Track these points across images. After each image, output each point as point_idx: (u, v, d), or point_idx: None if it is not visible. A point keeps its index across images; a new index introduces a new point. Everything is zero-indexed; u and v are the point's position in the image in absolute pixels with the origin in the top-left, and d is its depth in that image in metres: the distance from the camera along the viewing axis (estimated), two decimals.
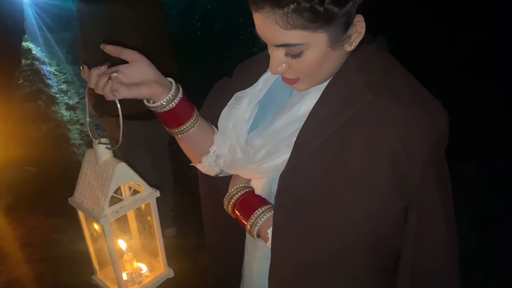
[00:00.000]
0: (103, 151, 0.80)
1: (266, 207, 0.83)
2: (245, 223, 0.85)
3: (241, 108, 0.85)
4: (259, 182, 0.85)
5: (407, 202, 0.72)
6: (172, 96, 0.80)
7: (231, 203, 0.88)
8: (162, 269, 0.93)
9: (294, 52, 0.68)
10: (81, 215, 0.87)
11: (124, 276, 0.91)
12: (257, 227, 0.82)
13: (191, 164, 0.95)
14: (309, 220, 0.74)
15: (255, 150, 0.80)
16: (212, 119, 0.90)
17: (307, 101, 0.76)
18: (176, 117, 0.83)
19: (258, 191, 0.86)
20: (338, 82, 0.73)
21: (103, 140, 0.81)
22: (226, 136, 0.86)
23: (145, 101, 0.81)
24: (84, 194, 0.84)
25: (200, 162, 0.92)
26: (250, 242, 0.97)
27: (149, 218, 0.90)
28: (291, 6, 0.62)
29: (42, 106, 3.85)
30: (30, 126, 3.55)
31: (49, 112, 3.83)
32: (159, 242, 0.91)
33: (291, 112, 0.78)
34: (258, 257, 0.94)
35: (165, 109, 0.80)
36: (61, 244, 2.45)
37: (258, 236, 0.84)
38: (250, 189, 0.88)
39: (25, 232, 2.60)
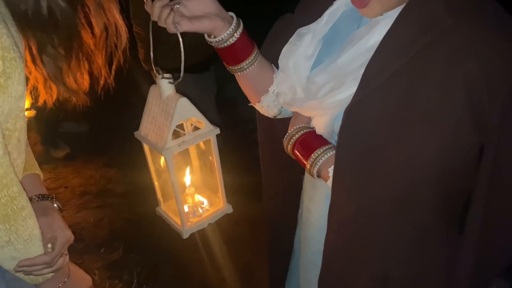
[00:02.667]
0: (166, 85, 0.82)
1: (327, 147, 0.82)
2: (305, 162, 0.84)
3: (303, 45, 0.82)
4: (321, 120, 0.83)
5: (484, 138, 0.66)
6: (232, 30, 0.78)
7: (290, 143, 0.87)
8: (222, 205, 0.97)
9: None
10: (146, 148, 0.92)
11: (186, 209, 0.95)
12: (317, 166, 0.81)
13: (249, 104, 0.95)
14: (375, 156, 0.71)
15: (318, 87, 0.78)
16: (273, 58, 0.88)
17: (376, 32, 0.72)
18: (236, 53, 0.82)
19: (320, 130, 0.84)
20: (413, 6, 0.67)
21: (166, 75, 0.82)
22: (286, 74, 0.85)
23: (205, 36, 0.81)
24: (149, 128, 0.87)
25: (259, 101, 0.91)
26: (309, 183, 0.96)
27: (209, 156, 0.93)
28: None
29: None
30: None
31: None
32: (219, 178, 0.94)
33: (359, 44, 0.73)
34: (317, 198, 0.93)
35: (225, 44, 0.80)
36: (115, 194, 2.61)
37: (318, 175, 0.83)
38: (310, 129, 0.87)
39: (82, 182, 2.78)
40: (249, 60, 0.83)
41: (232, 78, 0.89)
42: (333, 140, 0.84)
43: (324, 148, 0.82)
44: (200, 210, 0.96)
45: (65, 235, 0.81)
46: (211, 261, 1.92)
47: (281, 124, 0.95)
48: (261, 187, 1.11)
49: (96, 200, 2.56)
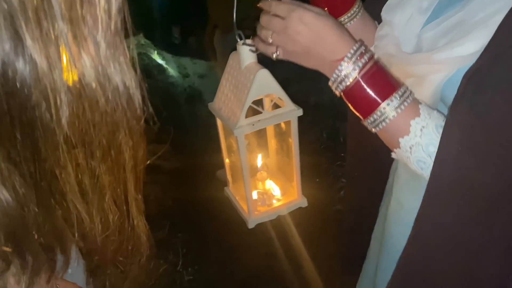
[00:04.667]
0: (246, 53, 0.71)
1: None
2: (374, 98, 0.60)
3: None
4: (426, 83, 0.61)
5: None
6: None
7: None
8: (296, 196, 0.85)
9: None
10: (219, 123, 0.82)
11: (254, 195, 0.85)
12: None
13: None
14: (506, 131, 0.51)
15: (430, 44, 0.60)
16: (376, 15, 0.74)
17: None
18: (337, 3, 0.71)
19: (422, 96, 0.62)
20: None
21: (249, 41, 0.71)
22: (391, 28, 0.69)
23: None
24: (223, 100, 0.77)
25: None
26: (403, 171, 0.78)
27: (289, 139, 0.80)
28: None
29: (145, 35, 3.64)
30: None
31: (150, 41, 3.66)
32: (295, 166, 0.81)
33: None
34: (413, 187, 0.74)
35: None
36: (163, 171, 2.53)
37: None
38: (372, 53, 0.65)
39: None
40: (351, 12, 0.72)
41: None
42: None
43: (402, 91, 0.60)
44: (271, 199, 0.85)
45: None
46: (260, 247, 1.82)
47: None
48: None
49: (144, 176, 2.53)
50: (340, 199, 2.01)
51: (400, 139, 0.59)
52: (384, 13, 0.70)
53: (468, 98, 0.52)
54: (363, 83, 0.58)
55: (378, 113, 0.58)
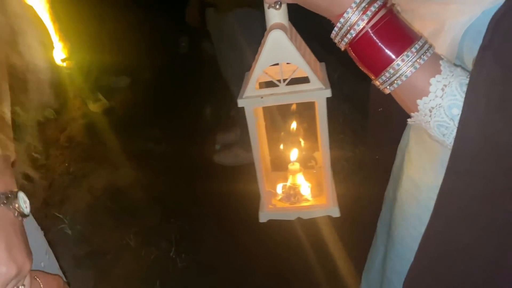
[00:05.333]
0: (271, 11, 0.59)
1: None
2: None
3: None
4: (445, 31, 0.49)
5: None
6: None
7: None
8: (325, 201, 0.68)
9: None
10: None
11: (279, 189, 0.72)
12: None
13: None
14: None
15: None
16: None
17: None
18: None
19: (442, 46, 0.50)
20: None
21: None
22: None
23: None
24: (252, 68, 0.67)
25: None
26: (416, 145, 0.62)
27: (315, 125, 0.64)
28: None
29: (136, 15, 3.19)
30: (125, 34, 3.03)
31: (142, 21, 3.20)
32: (324, 162, 0.65)
33: None
34: (428, 164, 0.61)
35: None
36: (155, 154, 2.35)
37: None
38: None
39: (120, 138, 2.49)
40: None
41: None
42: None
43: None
44: (297, 197, 0.71)
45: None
46: (257, 233, 1.56)
47: None
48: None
49: (135, 159, 2.31)
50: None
51: (418, 101, 0.48)
52: None
53: (494, 48, 0.42)
54: (372, 35, 0.47)
55: (391, 70, 0.47)
